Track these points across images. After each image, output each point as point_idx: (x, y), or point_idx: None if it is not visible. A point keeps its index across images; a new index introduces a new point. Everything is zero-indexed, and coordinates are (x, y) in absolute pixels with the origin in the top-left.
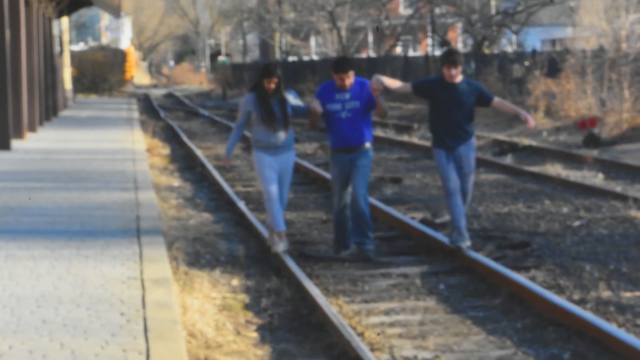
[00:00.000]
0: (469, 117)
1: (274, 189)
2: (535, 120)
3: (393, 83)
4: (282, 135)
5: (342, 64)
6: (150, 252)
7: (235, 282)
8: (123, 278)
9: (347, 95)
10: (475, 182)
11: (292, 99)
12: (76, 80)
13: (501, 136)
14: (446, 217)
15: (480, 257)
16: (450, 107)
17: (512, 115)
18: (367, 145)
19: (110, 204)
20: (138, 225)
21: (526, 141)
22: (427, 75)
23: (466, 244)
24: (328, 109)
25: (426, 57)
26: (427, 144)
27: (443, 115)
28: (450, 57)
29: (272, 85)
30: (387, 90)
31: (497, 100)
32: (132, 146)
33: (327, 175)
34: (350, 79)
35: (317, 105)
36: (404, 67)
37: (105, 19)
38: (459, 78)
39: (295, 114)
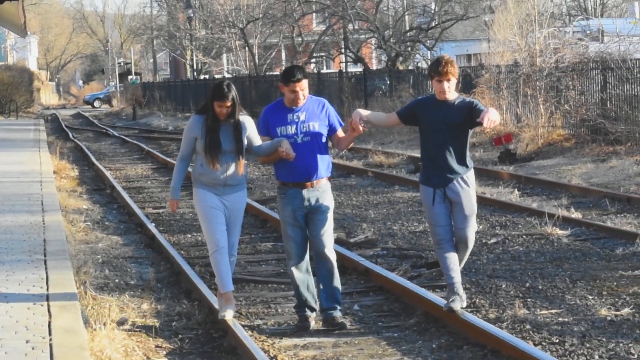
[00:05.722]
0: (464, 143)
1: (222, 238)
2: None
3: (376, 117)
4: (231, 171)
5: (294, 71)
6: (57, 277)
7: (145, 306)
8: (29, 304)
9: (303, 116)
10: (389, 200)
11: (253, 132)
12: None
13: (416, 153)
14: (361, 237)
15: (394, 276)
16: (441, 132)
17: None
18: (327, 180)
19: (15, 227)
20: (45, 249)
21: None
22: (341, 92)
23: (459, 305)
24: (280, 133)
25: (340, 74)
26: (342, 162)
27: (431, 143)
28: (440, 66)
29: (225, 111)
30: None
31: None
32: (39, 168)
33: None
34: (304, 90)
35: (289, 150)
36: (317, 84)
37: (11, 38)
38: (452, 95)
39: (251, 151)
